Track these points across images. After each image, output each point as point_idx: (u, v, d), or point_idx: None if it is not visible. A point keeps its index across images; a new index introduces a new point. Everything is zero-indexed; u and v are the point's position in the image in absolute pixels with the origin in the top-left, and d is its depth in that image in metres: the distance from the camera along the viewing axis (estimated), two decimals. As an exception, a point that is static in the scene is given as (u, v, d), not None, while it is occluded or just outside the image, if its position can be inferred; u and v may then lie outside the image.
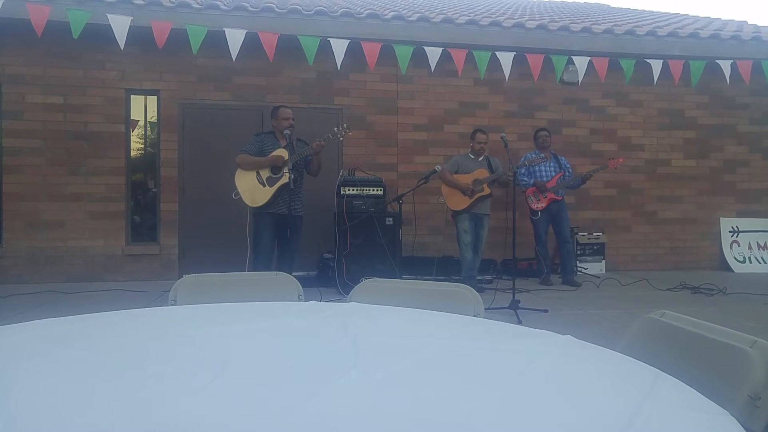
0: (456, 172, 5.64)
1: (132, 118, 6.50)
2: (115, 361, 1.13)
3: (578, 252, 6.91)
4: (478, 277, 5.77)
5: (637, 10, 11.29)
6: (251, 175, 4.86)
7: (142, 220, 6.62)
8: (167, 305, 1.82)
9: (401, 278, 5.21)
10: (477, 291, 1.82)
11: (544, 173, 6.14)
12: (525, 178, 6.12)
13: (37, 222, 6.08)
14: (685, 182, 7.55)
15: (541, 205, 6.05)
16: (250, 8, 6.12)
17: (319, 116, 6.50)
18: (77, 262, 6.15)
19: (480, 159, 5.71)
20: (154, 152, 6.52)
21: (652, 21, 8.39)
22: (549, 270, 6.21)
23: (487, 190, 5.53)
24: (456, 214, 5.63)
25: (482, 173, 5.56)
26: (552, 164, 6.19)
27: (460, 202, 5.56)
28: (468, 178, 5.56)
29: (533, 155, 5.93)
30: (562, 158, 6.33)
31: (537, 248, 6.19)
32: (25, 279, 5.93)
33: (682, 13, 10.57)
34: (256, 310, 1.64)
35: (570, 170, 6.28)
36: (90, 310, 1.56)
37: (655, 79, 6.19)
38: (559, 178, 6.13)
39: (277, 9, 6.18)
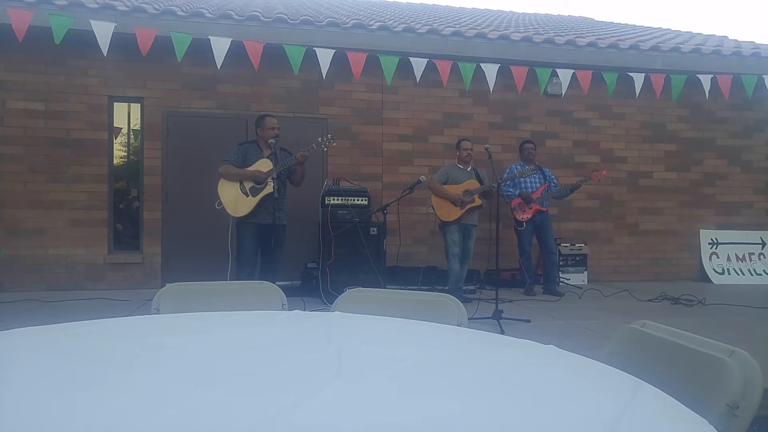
0: (446, 183, 5.65)
1: (115, 125, 6.43)
2: (97, 370, 1.12)
3: (560, 263, 6.97)
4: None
5: (620, 23, 11.50)
6: (234, 185, 4.85)
7: (125, 228, 6.53)
8: (150, 314, 1.80)
9: (385, 288, 5.21)
10: (463, 302, 1.83)
11: (529, 185, 6.21)
12: (511, 189, 6.18)
13: (17, 229, 5.97)
14: (666, 194, 7.67)
15: (527, 216, 6.10)
16: (236, 16, 6.11)
17: (304, 126, 6.50)
18: (58, 271, 6.05)
19: (468, 169, 5.74)
20: (137, 160, 6.46)
21: (635, 35, 8.54)
22: (532, 280, 6.25)
23: (478, 201, 5.55)
24: (445, 225, 5.62)
25: (473, 184, 5.60)
26: (537, 176, 6.26)
27: (450, 213, 5.56)
28: (458, 188, 5.58)
29: (520, 167, 5.99)
30: (547, 170, 6.40)
31: (521, 259, 6.22)
32: (4, 288, 5.81)
33: (664, 27, 10.79)
34: (240, 320, 1.63)
35: (555, 182, 6.35)
36: (71, 319, 1.54)
37: (637, 92, 6.28)
38: (544, 189, 6.19)
39: (262, 18, 6.18)
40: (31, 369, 1.11)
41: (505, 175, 5.89)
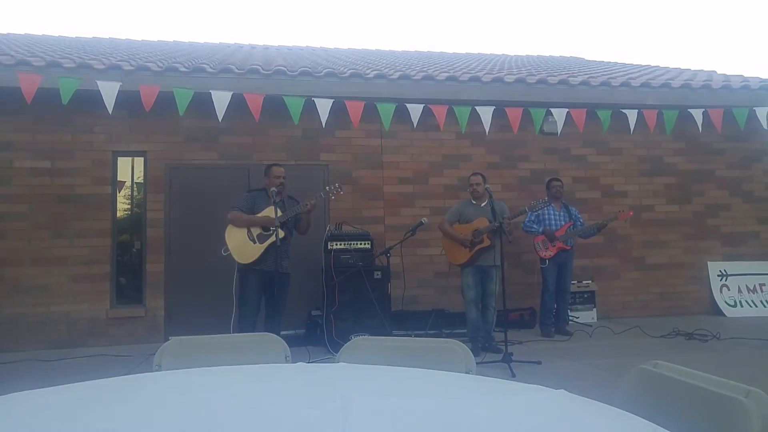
0: (458, 221, 5.46)
1: (118, 179, 6.50)
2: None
3: (569, 300, 6.87)
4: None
5: (610, 62, 11.74)
6: (242, 232, 4.88)
7: (128, 282, 6.51)
8: (152, 370, 1.77)
9: (391, 334, 5.14)
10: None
11: (553, 222, 6.15)
12: (534, 226, 6.14)
13: (19, 287, 5.95)
14: (670, 227, 7.64)
15: (550, 253, 6.04)
16: (236, 70, 6.26)
17: (305, 173, 6.56)
18: (59, 328, 5.98)
19: (483, 204, 5.42)
20: (141, 213, 6.50)
21: (625, 72, 8.71)
22: (551, 322, 6.11)
23: (487, 242, 5.21)
24: (461, 268, 5.40)
25: (482, 222, 5.30)
26: (562, 213, 6.23)
27: (460, 256, 5.35)
28: (468, 228, 5.35)
29: (536, 202, 5.53)
30: (573, 209, 6.37)
31: (544, 297, 6.11)
32: (4, 348, 5.73)
33: (653, 64, 11.00)
34: (243, 375, 1.60)
35: (581, 221, 6.31)
36: (72, 379, 1.51)
37: (632, 127, 6.36)
38: (569, 227, 6.16)
39: (262, 70, 6.33)
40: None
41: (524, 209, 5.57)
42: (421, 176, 7.03)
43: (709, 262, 7.62)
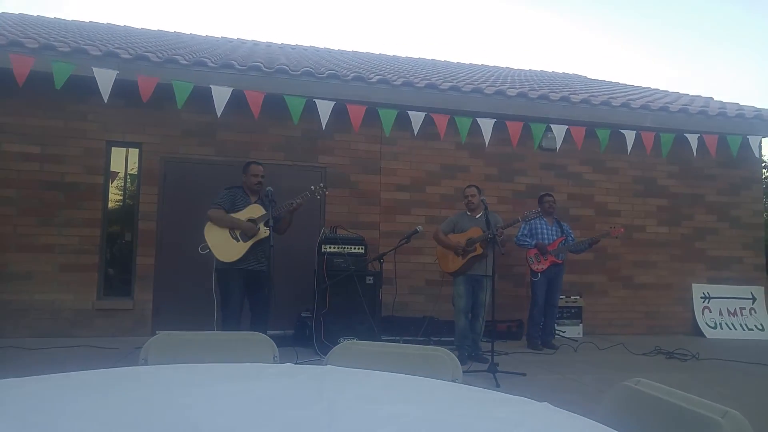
0: (453, 232, 5.50)
1: (112, 169, 6.44)
2: (77, 427, 1.09)
3: (557, 315, 6.91)
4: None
5: (611, 82, 11.84)
6: (224, 229, 4.80)
7: (117, 274, 6.46)
8: (137, 363, 1.76)
9: (380, 339, 5.14)
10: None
11: (546, 236, 6.19)
12: (527, 240, 6.18)
13: (3, 273, 5.86)
14: (659, 248, 7.71)
15: (542, 266, 6.08)
16: (238, 66, 6.25)
17: (302, 174, 6.56)
18: (43, 317, 5.91)
19: (478, 216, 5.45)
20: (133, 205, 6.46)
21: (625, 94, 8.79)
22: (538, 335, 6.14)
23: (479, 250, 5.24)
24: (453, 276, 5.43)
25: (476, 232, 5.31)
26: (554, 228, 6.27)
27: (452, 264, 5.38)
28: (462, 237, 5.38)
29: (529, 212, 5.53)
30: (565, 224, 6.42)
31: (533, 311, 6.12)
32: (-15, 333, 5.67)
33: (652, 87, 11.11)
34: (230, 373, 1.60)
35: (572, 236, 6.37)
36: (55, 369, 1.51)
37: (629, 148, 6.43)
38: (561, 242, 6.21)
39: (264, 68, 6.33)
40: (5, 426, 1.08)
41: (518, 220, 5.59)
42: (419, 184, 7.05)
43: (693, 284, 7.71)
